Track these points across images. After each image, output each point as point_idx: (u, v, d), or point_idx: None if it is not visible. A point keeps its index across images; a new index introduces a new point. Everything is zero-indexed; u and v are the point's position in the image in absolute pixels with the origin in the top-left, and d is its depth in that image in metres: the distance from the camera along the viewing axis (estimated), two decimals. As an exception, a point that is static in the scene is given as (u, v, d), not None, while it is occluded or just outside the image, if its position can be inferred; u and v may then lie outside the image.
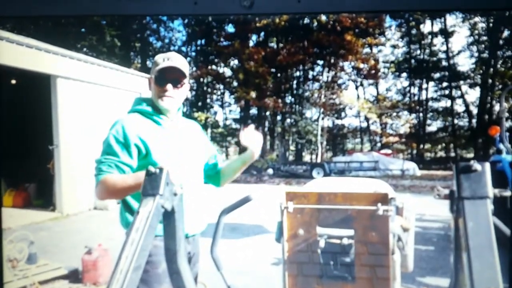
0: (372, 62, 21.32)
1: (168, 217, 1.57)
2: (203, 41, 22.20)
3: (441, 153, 24.22)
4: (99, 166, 1.83)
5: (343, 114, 24.08)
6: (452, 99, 22.64)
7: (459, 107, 22.81)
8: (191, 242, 1.96)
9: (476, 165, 1.25)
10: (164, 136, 1.92)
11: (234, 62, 21.44)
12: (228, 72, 21.96)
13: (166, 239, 1.60)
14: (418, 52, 23.25)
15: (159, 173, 1.50)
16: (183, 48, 22.28)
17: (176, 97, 1.95)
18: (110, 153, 1.81)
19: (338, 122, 24.28)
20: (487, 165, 1.24)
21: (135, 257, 1.33)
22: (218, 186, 2.22)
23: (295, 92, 22.42)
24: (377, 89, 24.09)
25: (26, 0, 0.98)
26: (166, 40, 23.03)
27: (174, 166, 1.82)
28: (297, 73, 22.68)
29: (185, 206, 1.70)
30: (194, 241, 2.00)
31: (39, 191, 8.74)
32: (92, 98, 8.56)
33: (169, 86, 1.91)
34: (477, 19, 20.61)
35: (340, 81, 22.49)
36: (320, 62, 21.42)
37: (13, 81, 8.46)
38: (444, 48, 22.49)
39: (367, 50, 21.54)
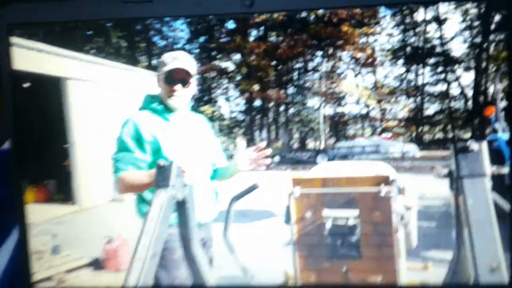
0: (369, 51, 21.54)
1: (180, 207, 1.67)
2: (205, 38, 22.34)
3: (439, 135, 24.38)
4: (116, 164, 1.92)
5: (343, 102, 24.30)
6: (448, 83, 22.83)
7: (454, 90, 22.96)
8: (204, 229, 2.05)
9: (473, 145, 1.34)
10: (174, 131, 2.00)
11: (236, 57, 21.60)
12: (231, 66, 22.13)
13: (180, 227, 1.70)
14: (413, 39, 23.38)
15: (168, 166, 1.60)
16: (186, 46, 22.42)
17: (185, 95, 2.03)
18: (125, 149, 1.90)
19: (339, 109, 24.49)
20: (484, 144, 1.33)
21: (151, 245, 1.44)
22: (213, 179, 2.28)
23: (296, 83, 22.60)
24: (375, 76, 24.22)
25: (35, 8, 1.06)
26: (170, 39, 23.15)
27: (184, 159, 1.91)
28: (297, 65, 22.86)
29: (195, 196, 1.79)
30: (207, 228, 2.09)
31: (59, 186, 9.11)
32: (102, 97, 8.87)
33: (177, 86, 1.99)
34: (469, 5, 20.71)
35: (339, 71, 22.69)
36: (319, 53, 21.57)
37: (26, 85, 8.72)
38: (438, 34, 22.62)
39: (363, 40, 21.70)
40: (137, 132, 1.92)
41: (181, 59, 2.01)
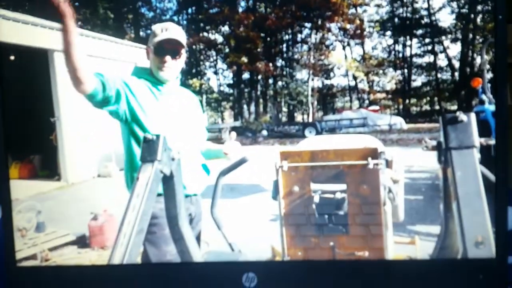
0: (358, 22, 21.46)
1: (167, 182, 1.64)
2: (193, 10, 22.00)
3: (426, 107, 24.61)
4: None
5: (331, 74, 24.33)
6: (435, 54, 22.90)
7: (441, 62, 23.07)
8: (194, 203, 2.03)
9: (462, 116, 1.32)
10: (162, 102, 1.97)
11: (225, 29, 21.37)
12: (219, 38, 21.90)
13: (167, 202, 1.68)
14: (401, 10, 23.32)
15: (156, 140, 1.56)
16: (175, 17, 22.09)
17: (175, 67, 2.00)
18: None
19: (327, 82, 24.53)
20: (473, 116, 1.31)
21: (137, 221, 1.41)
22: (209, 174, 2.27)
23: (285, 55, 22.48)
24: (363, 48, 24.20)
25: None
26: (158, 11, 22.76)
27: (171, 131, 1.87)
28: (286, 37, 22.72)
29: (183, 168, 1.76)
30: (196, 201, 2.07)
31: (44, 162, 9.07)
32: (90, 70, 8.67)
33: (168, 57, 1.96)
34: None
35: (327, 42, 22.59)
36: (308, 25, 21.42)
37: (12, 57, 8.55)
38: (425, 5, 22.60)
39: (352, 11, 21.59)
40: (119, 79, 1.91)
41: (172, 30, 1.98)
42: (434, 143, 1.40)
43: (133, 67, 2.12)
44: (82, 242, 4.13)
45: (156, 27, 2.02)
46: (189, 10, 22.49)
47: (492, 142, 1.35)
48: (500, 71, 1.51)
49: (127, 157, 1.92)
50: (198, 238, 2.07)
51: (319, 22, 21.17)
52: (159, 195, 1.58)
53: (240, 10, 21.33)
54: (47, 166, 8.83)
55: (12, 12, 7.53)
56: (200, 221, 2.13)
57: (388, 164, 2.06)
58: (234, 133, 2.14)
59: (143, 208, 1.40)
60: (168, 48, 1.98)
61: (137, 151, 1.88)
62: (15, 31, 6.83)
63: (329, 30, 22.25)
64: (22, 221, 3.86)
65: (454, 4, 21.86)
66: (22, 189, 7.19)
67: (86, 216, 4.09)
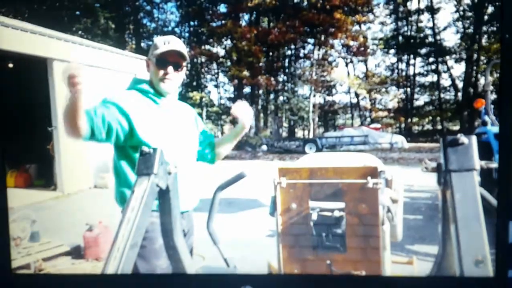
0: (361, 39, 21.58)
1: (163, 196, 1.62)
2: (196, 22, 22.17)
3: (428, 126, 24.65)
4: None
5: (334, 91, 24.43)
6: (438, 73, 23.02)
7: (445, 81, 23.18)
8: (186, 218, 2.01)
9: (463, 138, 1.30)
10: (160, 115, 1.95)
11: (227, 42, 21.51)
12: (221, 52, 22.03)
13: (162, 216, 1.65)
14: (406, 28, 23.51)
15: (153, 153, 1.54)
16: (177, 29, 22.25)
17: (176, 79, 1.99)
18: (102, 106, 1.87)
19: (329, 98, 24.64)
20: (474, 138, 1.30)
21: (131, 235, 1.39)
22: (213, 163, 2.27)
23: (287, 70, 22.61)
24: (366, 65, 24.35)
25: None
26: (160, 22, 22.92)
27: (169, 145, 1.86)
28: (289, 52, 22.86)
29: (179, 184, 1.74)
30: (188, 216, 2.05)
31: (40, 171, 9.00)
32: (88, 80, 8.68)
33: (170, 69, 1.95)
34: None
35: (330, 59, 22.73)
36: (311, 40, 21.58)
37: (10, 65, 8.55)
38: (430, 24, 22.76)
39: (356, 27, 21.74)
40: (114, 104, 1.89)
41: (174, 43, 1.98)
42: (434, 164, 1.40)
43: (131, 78, 2.11)
44: (76, 253, 4.07)
45: (158, 40, 2.01)
46: (192, 23, 22.61)
47: (493, 165, 1.34)
48: (506, 91, 1.50)
49: (119, 171, 1.90)
50: (190, 253, 2.05)
51: (322, 38, 21.31)
52: (153, 211, 1.57)
53: (243, 23, 21.59)
54: (43, 176, 8.75)
55: (12, 19, 7.58)
56: (192, 235, 2.11)
57: (388, 183, 2.04)
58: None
59: (137, 222, 1.37)
60: (170, 60, 1.98)
61: (127, 168, 1.87)
62: (14, 39, 6.85)
63: (332, 46, 22.30)
64: (16, 230, 3.82)
65: (460, 24, 21.96)
66: (17, 198, 7.22)
67: (81, 227, 4.03)
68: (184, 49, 1.98)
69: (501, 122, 1.59)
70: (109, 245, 1.39)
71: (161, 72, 1.96)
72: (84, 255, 4.09)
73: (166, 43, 1.95)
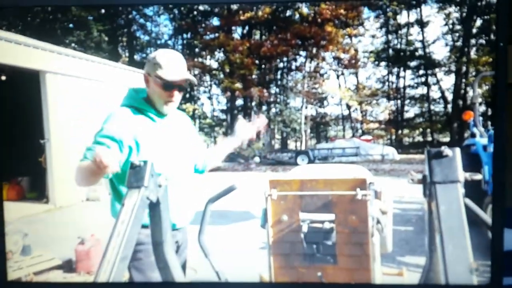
0: (352, 52, 21.83)
1: (154, 208, 1.63)
2: (189, 35, 22.26)
3: (419, 138, 24.87)
4: (85, 152, 1.83)
5: (325, 103, 24.58)
6: (428, 86, 23.29)
7: (435, 93, 23.44)
8: (181, 231, 2.02)
9: (447, 151, 1.34)
10: (157, 131, 1.95)
11: (220, 55, 21.60)
12: (214, 64, 22.12)
13: (152, 230, 1.66)
14: (396, 41, 23.78)
15: (143, 166, 1.55)
16: (170, 42, 22.29)
17: (178, 99, 1.97)
18: (101, 143, 1.82)
19: (321, 110, 24.79)
20: (458, 150, 1.33)
21: (121, 248, 1.40)
22: (202, 173, 2.27)
23: (279, 82, 22.73)
24: (357, 78, 24.59)
25: None
26: (153, 34, 22.95)
27: (167, 160, 1.86)
28: (281, 64, 23.02)
29: (174, 198, 1.75)
30: (183, 230, 2.06)
31: (32, 184, 8.93)
32: (81, 92, 8.73)
33: (175, 92, 1.93)
34: (451, 9, 21.18)
35: (322, 71, 22.92)
36: (303, 53, 21.76)
37: (3, 78, 8.53)
38: (420, 37, 23.08)
39: (347, 40, 21.99)
40: (117, 132, 1.84)
41: (182, 66, 1.94)
42: (420, 176, 1.42)
43: (127, 90, 2.09)
44: (68, 266, 4.05)
45: (160, 58, 1.94)
46: (185, 35, 22.91)
47: (477, 177, 1.36)
48: (500, 99, 1.54)
49: (115, 186, 1.89)
50: (184, 266, 2.05)
51: (314, 51, 21.51)
52: (144, 226, 1.56)
53: (236, 36, 21.74)
54: (36, 188, 8.58)
55: (5, 31, 7.57)
56: (186, 248, 2.11)
57: (377, 195, 2.07)
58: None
59: (127, 235, 1.38)
60: (177, 83, 1.96)
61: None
62: (7, 51, 6.88)
63: (323, 59, 22.63)
64: (8, 243, 3.80)
65: (449, 37, 22.34)
66: (9, 211, 7.02)
67: (73, 240, 4.02)
68: (187, 69, 1.96)
69: (495, 132, 1.62)
70: (100, 259, 1.40)
71: (167, 95, 1.93)
72: (76, 268, 4.08)
73: (171, 65, 1.90)
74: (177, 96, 1.97)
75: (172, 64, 1.93)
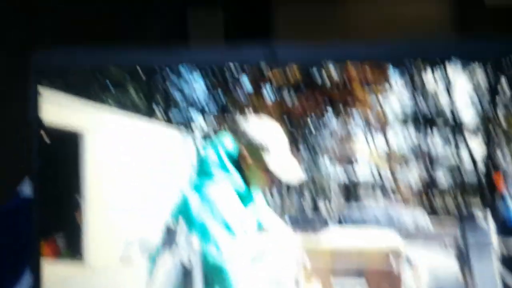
0: (381, 114, 21.91)
1: (185, 276, 1.55)
2: (221, 97, 22.74)
3: (451, 203, 24.31)
4: None
5: (355, 165, 24.50)
6: (458, 152, 23.07)
7: (465, 157, 23.14)
8: None
9: (478, 213, 1.35)
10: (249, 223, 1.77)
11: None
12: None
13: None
14: (424, 104, 23.94)
15: (176, 226, 1.53)
16: (203, 103, 22.90)
17: None
18: None
19: (351, 172, 24.66)
20: (489, 212, 1.34)
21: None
22: None
23: (308, 143, 22.81)
24: (386, 139, 24.63)
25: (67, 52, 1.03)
26: (186, 92, 23.63)
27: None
28: (310, 124, 23.20)
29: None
30: None
31: (68, 241, 8.86)
32: (119, 151, 8.88)
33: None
34: (475, 66, 21.32)
35: (350, 131, 23.01)
36: (330, 111, 21.99)
37: (47, 139, 8.85)
38: (449, 100, 23.19)
39: (374, 100, 22.17)
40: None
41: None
42: (452, 241, 1.42)
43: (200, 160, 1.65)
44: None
45: (258, 133, 1.38)
46: (216, 96, 23.48)
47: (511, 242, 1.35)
48: None
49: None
50: None
51: (342, 109, 21.69)
52: None
53: (268, 100, 22.23)
54: (71, 246, 8.54)
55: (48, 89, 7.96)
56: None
57: (411, 264, 2.05)
58: None
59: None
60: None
61: None
62: (51, 111, 7.21)
63: (352, 117, 22.78)
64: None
65: (476, 100, 22.32)
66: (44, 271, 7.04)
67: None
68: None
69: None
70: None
71: (269, 179, 1.34)
72: None
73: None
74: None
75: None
